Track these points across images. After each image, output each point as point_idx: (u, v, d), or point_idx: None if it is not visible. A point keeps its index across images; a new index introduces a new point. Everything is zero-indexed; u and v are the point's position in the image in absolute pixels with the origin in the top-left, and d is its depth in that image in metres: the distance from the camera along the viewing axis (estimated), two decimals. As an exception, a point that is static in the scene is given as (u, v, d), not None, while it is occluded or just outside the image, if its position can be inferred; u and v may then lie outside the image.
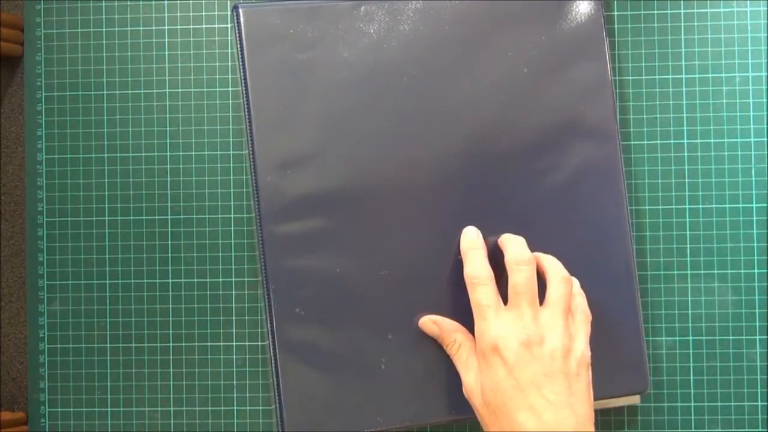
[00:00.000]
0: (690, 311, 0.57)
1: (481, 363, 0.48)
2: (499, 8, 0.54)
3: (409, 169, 0.53)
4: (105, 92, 0.59)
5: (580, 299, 0.51)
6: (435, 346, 0.53)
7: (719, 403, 0.56)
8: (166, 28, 0.58)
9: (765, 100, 0.57)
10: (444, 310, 0.53)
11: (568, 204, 0.54)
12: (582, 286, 0.52)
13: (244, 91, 0.53)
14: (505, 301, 0.49)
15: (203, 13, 0.58)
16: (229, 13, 0.58)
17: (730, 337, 0.56)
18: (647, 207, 0.57)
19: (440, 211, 0.53)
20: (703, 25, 0.57)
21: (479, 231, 0.52)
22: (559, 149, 0.54)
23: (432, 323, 0.52)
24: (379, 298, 0.52)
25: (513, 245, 0.51)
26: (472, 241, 0.52)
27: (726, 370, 0.56)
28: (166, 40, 0.58)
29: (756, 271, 0.56)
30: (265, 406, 0.57)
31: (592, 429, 0.46)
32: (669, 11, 0.57)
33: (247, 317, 0.58)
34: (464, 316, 0.53)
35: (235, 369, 0.58)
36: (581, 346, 0.48)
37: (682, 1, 0.57)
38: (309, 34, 0.53)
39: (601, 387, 0.51)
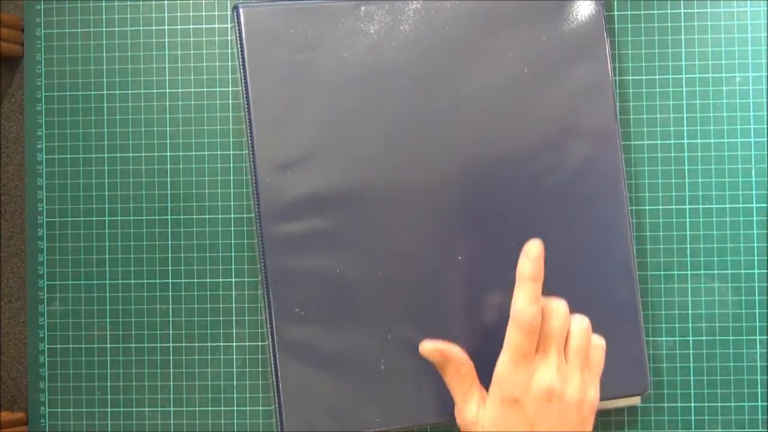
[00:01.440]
0: (690, 311, 0.57)
1: (497, 405, 0.47)
2: (499, 8, 0.54)
3: (409, 169, 0.53)
4: (105, 92, 0.59)
5: (599, 353, 0.50)
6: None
7: (719, 404, 0.56)
8: (166, 28, 0.58)
9: (765, 100, 0.57)
10: (444, 310, 0.53)
11: (568, 204, 0.54)
12: (582, 286, 0.52)
13: (244, 91, 0.53)
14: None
15: (203, 13, 0.58)
16: (229, 13, 0.58)
17: (730, 337, 0.56)
18: (647, 207, 0.57)
19: (440, 212, 0.53)
20: (703, 25, 0.57)
21: (543, 250, 0.48)
22: (560, 149, 0.54)
23: (439, 354, 0.49)
24: (379, 298, 0.52)
25: (550, 302, 0.49)
26: (533, 267, 0.48)
27: (726, 370, 0.56)
28: (166, 40, 0.58)
29: (756, 271, 0.56)
30: (265, 406, 0.57)
31: None
32: (669, 11, 0.57)
33: (247, 317, 0.58)
34: (464, 316, 0.53)
35: (235, 369, 0.58)
36: (592, 395, 0.48)
37: (682, 1, 0.57)
38: (309, 34, 0.53)
39: (601, 389, 0.51)
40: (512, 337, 0.47)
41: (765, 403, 0.56)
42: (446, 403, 0.53)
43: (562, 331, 0.48)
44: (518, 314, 0.47)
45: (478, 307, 0.53)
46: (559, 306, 0.49)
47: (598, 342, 0.50)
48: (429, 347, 0.49)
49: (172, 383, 0.58)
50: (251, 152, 0.52)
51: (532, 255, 0.48)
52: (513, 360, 0.47)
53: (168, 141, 0.58)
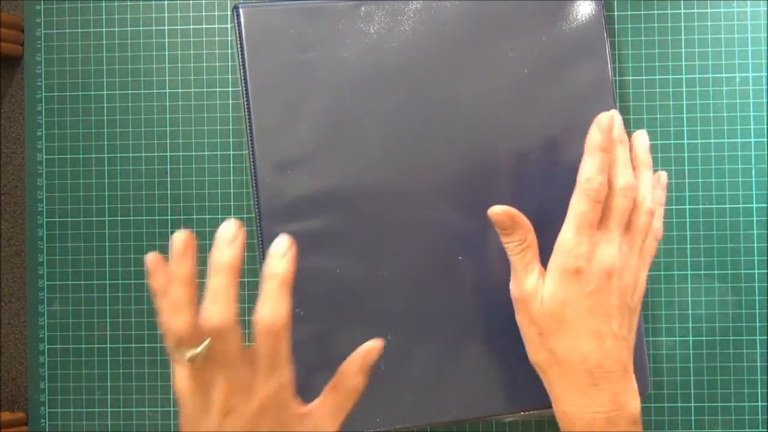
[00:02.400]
0: (690, 311, 0.57)
1: (558, 275, 0.47)
2: (499, 8, 0.54)
3: (409, 169, 0.53)
4: (105, 92, 0.59)
5: (653, 241, 0.50)
6: (435, 347, 0.53)
7: (719, 404, 0.56)
8: (166, 28, 0.58)
9: (765, 100, 0.57)
10: (444, 310, 0.53)
11: (569, 204, 0.53)
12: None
13: (244, 91, 0.53)
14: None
15: (203, 13, 0.58)
16: (229, 13, 0.58)
17: (730, 337, 0.56)
18: (647, 207, 0.57)
19: (440, 211, 0.53)
20: (703, 25, 0.57)
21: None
22: (560, 149, 0.54)
23: (506, 215, 0.48)
24: (380, 298, 0.52)
25: (622, 164, 0.48)
26: (604, 138, 0.47)
27: (726, 370, 0.56)
28: (166, 40, 0.58)
29: (756, 271, 0.56)
30: (265, 406, 0.57)
31: (632, 362, 0.48)
32: (669, 11, 0.57)
33: (247, 317, 0.58)
34: (465, 316, 0.53)
35: (235, 369, 0.58)
36: (644, 279, 0.49)
37: (682, 1, 0.57)
38: (309, 34, 0.53)
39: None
40: (577, 205, 0.47)
41: (765, 403, 0.56)
42: (447, 403, 0.53)
43: (627, 209, 0.47)
44: (585, 182, 0.47)
45: (478, 307, 0.53)
46: (630, 186, 0.48)
47: (658, 229, 0.50)
48: (497, 209, 0.48)
49: (172, 383, 0.58)
50: (251, 152, 0.52)
51: (603, 125, 0.47)
52: (577, 229, 0.47)
53: (168, 141, 0.58)
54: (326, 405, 0.45)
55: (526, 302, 0.48)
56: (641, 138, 0.51)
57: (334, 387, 0.45)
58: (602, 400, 0.46)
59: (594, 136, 0.48)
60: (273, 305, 0.42)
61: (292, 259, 0.42)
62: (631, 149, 0.50)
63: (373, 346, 0.45)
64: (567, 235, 0.47)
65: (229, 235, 0.42)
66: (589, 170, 0.47)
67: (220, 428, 0.41)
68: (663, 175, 0.52)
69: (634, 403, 0.47)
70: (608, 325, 0.46)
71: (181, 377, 0.42)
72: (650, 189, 0.49)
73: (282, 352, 0.42)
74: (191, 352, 0.41)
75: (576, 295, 0.47)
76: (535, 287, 0.48)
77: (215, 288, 0.41)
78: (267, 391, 0.42)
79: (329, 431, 0.44)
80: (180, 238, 0.42)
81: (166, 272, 0.41)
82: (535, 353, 0.48)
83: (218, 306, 0.41)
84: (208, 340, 0.41)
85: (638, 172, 0.50)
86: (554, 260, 0.48)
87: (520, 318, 0.49)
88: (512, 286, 0.49)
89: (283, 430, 0.42)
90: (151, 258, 0.42)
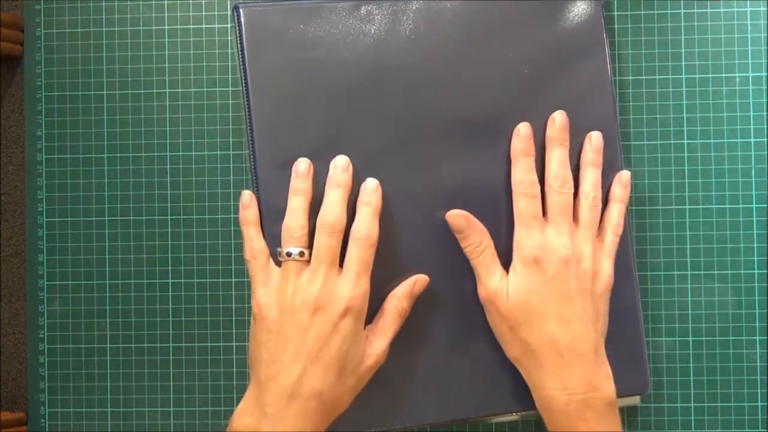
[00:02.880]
0: (690, 311, 0.57)
1: (518, 268, 0.50)
2: (499, 8, 0.54)
3: (409, 168, 0.53)
4: (105, 92, 0.59)
5: (611, 234, 0.52)
6: (435, 347, 0.53)
7: (719, 404, 0.56)
8: (166, 28, 0.58)
9: (765, 100, 0.57)
10: (446, 309, 0.53)
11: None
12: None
13: (244, 91, 0.53)
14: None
15: (203, 13, 0.58)
16: (229, 13, 0.58)
17: (730, 337, 0.56)
18: (647, 207, 0.57)
19: (441, 211, 0.53)
20: (703, 25, 0.57)
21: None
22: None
23: (462, 217, 0.52)
24: (380, 298, 0.52)
25: (554, 163, 0.52)
26: (524, 144, 0.52)
27: (726, 370, 0.56)
28: (166, 40, 0.58)
29: (756, 271, 0.56)
30: (265, 406, 0.57)
31: (603, 345, 0.51)
32: (669, 11, 0.57)
33: (247, 317, 0.58)
34: (466, 316, 0.53)
35: (235, 369, 0.58)
36: (607, 269, 0.51)
37: (682, 1, 0.57)
38: (310, 34, 0.53)
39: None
40: (518, 205, 0.51)
41: (765, 403, 0.56)
42: (446, 403, 0.53)
43: (568, 202, 0.51)
44: (518, 183, 0.51)
45: (478, 308, 0.53)
46: (561, 178, 0.51)
47: (616, 225, 0.52)
48: (454, 212, 0.52)
49: (172, 383, 0.58)
50: (252, 152, 0.52)
51: (520, 134, 0.52)
52: (525, 224, 0.51)
53: (168, 141, 0.58)
54: (377, 326, 0.51)
55: (493, 301, 0.51)
56: (593, 139, 0.53)
57: (383, 311, 0.51)
58: (576, 382, 0.48)
59: (514, 145, 0.52)
60: (369, 224, 0.50)
61: (380, 195, 0.51)
62: (583, 150, 0.53)
63: (422, 276, 0.52)
64: (518, 232, 0.51)
65: (344, 163, 0.51)
66: (518, 173, 0.52)
67: (309, 324, 0.48)
68: (624, 173, 0.54)
69: (608, 386, 0.49)
70: (571, 308, 0.49)
71: (261, 286, 0.50)
72: (592, 185, 0.52)
73: (369, 263, 0.49)
74: (298, 249, 0.49)
75: (538, 282, 0.50)
76: (499, 285, 0.51)
77: (334, 198, 0.50)
78: (353, 295, 0.48)
79: (380, 348, 0.50)
80: (304, 162, 0.51)
81: (256, 208, 0.51)
82: (510, 348, 0.51)
83: (336, 210, 0.50)
84: (315, 245, 0.49)
85: (583, 171, 0.52)
86: (514, 257, 0.51)
87: (490, 318, 0.52)
88: (478, 289, 0.52)
89: (356, 335, 0.49)
90: (248, 193, 0.52)
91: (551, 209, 0.51)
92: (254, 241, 0.51)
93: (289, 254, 0.49)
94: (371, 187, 0.51)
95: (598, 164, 0.53)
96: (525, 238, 0.51)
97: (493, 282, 0.51)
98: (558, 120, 0.52)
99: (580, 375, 0.49)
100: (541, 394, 0.50)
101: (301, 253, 0.49)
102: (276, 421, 0.47)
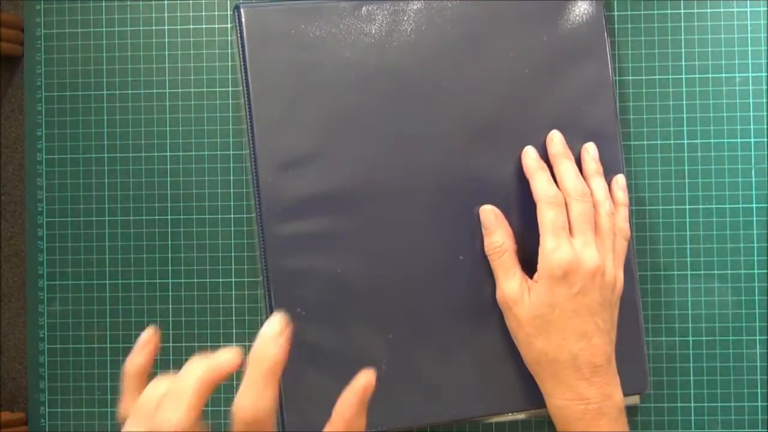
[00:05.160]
0: (690, 311, 0.57)
1: (542, 280, 0.49)
2: (500, 8, 0.54)
3: (410, 168, 0.53)
4: (105, 92, 0.58)
5: (622, 242, 0.52)
6: (435, 347, 0.53)
7: (719, 404, 0.56)
8: (166, 28, 0.58)
9: (765, 100, 0.57)
10: (445, 310, 0.53)
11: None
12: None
13: (245, 91, 0.53)
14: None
15: (203, 13, 0.58)
16: (229, 13, 0.58)
17: (730, 337, 0.56)
18: (647, 207, 0.57)
19: (441, 211, 0.53)
20: (703, 25, 0.57)
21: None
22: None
23: (491, 212, 0.52)
24: (381, 298, 0.52)
25: (570, 176, 0.51)
26: (536, 160, 0.52)
27: (726, 370, 0.56)
28: (166, 40, 0.58)
29: (756, 271, 0.56)
30: (266, 406, 0.57)
31: (614, 354, 0.51)
32: (669, 11, 0.57)
33: (247, 317, 0.58)
34: (467, 316, 0.53)
35: (235, 369, 0.58)
36: (621, 277, 0.52)
37: (682, 1, 0.57)
38: (310, 34, 0.53)
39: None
40: (544, 214, 0.50)
41: (765, 403, 0.56)
42: (447, 403, 0.53)
43: (589, 212, 0.50)
44: (542, 193, 0.50)
45: (478, 308, 0.53)
46: (581, 190, 0.51)
47: (625, 228, 0.52)
48: (486, 206, 0.52)
49: None
50: (252, 152, 0.52)
51: (528, 154, 0.52)
52: (553, 234, 0.49)
53: (168, 141, 0.58)
54: None
55: (510, 306, 0.50)
56: (589, 150, 0.53)
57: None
58: (592, 392, 0.49)
59: (527, 163, 0.52)
60: (255, 395, 0.35)
61: (285, 343, 0.35)
62: (583, 162, 0.53)
63: (368, 379, 0.38)
64: (546, 242, 0.50)
65: (275, 331, 0.35)
66: (540, 184, 0.51)
67: None
68: (620, 177, 0.54)
69: (619, 392, 0.50)
70: (593, 322, 0.49)
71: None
72: (605, 193, 0.52)
73: None
74: None
75: (563, 297, 0.49)
76: (518, 291, 0.50)
77: (252, 378, 0.36)
78: None
79: None
80: (148, 332, 0.40)
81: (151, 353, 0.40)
82: (526, 354, 0.51)
83: (251, 396, 0.36)
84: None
85: (589, 181, 0.52)
86: (542, 266, 0.50)
87: (508, 321, 0.51)
88: (497, 291, 0.52)
89: None
90: (149, 333, 0.40)
91: (576, 219, 0.50)
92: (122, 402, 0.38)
93: None
94: (271, 331, 0.35)
95: (601, 173, 0.53)
96: (554, 250, 0.49)
97: (511, 287, 0.50)
98: (556, 137, 0.53)
99: (596, 385, 0.49)
100: (555, 403, 0.50)
101: None
102: None
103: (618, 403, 0.49)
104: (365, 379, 0.38)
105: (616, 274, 0.51)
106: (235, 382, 0.58)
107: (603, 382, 0.49)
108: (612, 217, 0.51)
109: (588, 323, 0.49)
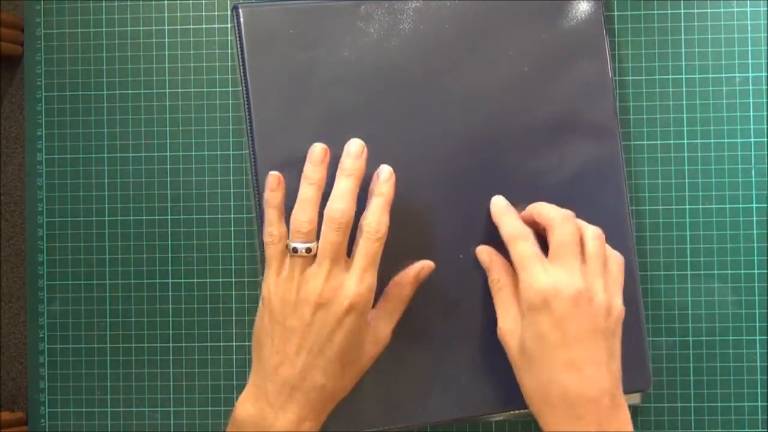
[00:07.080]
0: (690, 311, 0.57)
1: (525, 313, 0.48)
2: (499, 8, 0.54)
3: (409, 168, 0.53)
4: (105, 92, 0.59)
5: (610, 250, 0.51)
6: (434, 347, 0.53)
7: (719, 404, 0.56)
8: (166, 28, 0.58)
9: (765, 100, 0.57)
10: (444, 309, 0.53)
11: (569, 204, 0.53)
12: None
13: (244, 91, 0.53)
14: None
15: (203, 13, 0.58)
16: (229, 13, 0.58)
17: (730, 337, 0.56)
18: (647, 207, 0.57)
19: (440, 211, 0.53)
20: (703, 25, 0.57)
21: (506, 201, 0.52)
22: (560, 149, 0.54)
23: (486, 254, 0.52)
24: (380, 298, 0.52)
25: (545, 206, 0.51)
26: (502, 207, 0.52)
27: (726, 370, 0.56)
28: (166, 40, 0.58)
29: (756, 271, 0.56)
30: (265, 406, 0.57)
31: (620, 387, 0.48)
32: (669, 11, 0.57)
33: (247, 317, 0.58)
34: (467, 316, 0.53)
35: (235, 369, 0.58)
36: (619, 303, 0.49)
37: (682, 1, 0.57)
38: (309, 33, 0.53)
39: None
40: (515, 250, 0.49)
41: (765, 403, 0.56)
42: (447, 403, 0.53)
43: (574, 237, 0.49)
44: (509, 234, 0.50)
45: (478, 307, 0.53)
46: (562, 214, 0.49)
47: (616, 254, 0.51)
48: (482, 248, 0.53)
49: (172, 383, 0.58)
50: (252, 152, 0.52)
51: (494, 203, 0.52)
52: (526, 268, 0.48)
53: (168, 141, 0.58)
54: (381, 312, 0.50)
55: (506, 342, 0.50)
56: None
57: (387, 296, 0.51)
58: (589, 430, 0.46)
59: (495, 209, 0.52)
60: (379, 216, 0.48)
61: (393, 185, 0.49)
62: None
63: (428, 263, 0.51)
64: (522, 276, 0.49)
65: (358, 149, 0.49)
66: (506, 227, 0.51)
67: (311, 320, 0.47)
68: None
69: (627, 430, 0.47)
70: (582, 351, 0.47)
71: (274, 274, 0.48)
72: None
73: (377, 257, 0.48)
74: (304, 245, 0.47)
75: (547, 326, 0.47)
76: (511, 328, 0.49)
77: (343, 188, 0.48)
78: (357, 291, 0.47)
79: (383, 334, 0.50)
80: (320, 147, 0.49)
81: (283, 191, 0.49)
82: (522, 386, 0.49)
83: (344, 203, 0.48)
84: (320, 239, 0.48)
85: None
86: (522, 303, 0.49)
87: (507, 353, 0.50)
88: (497, 329, 0.51)
89: (360, 330, 0.48)
90: (276, 175, 0.49)
91: (556, 245, 0.49)
92: (275, 226, 0.49)
93: (295, 250, 0.47)
94: (384, 176, 0.49)
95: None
96: (530, 280, 0.48)
97: (507, 323, 0.50)
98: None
99: (593, 423, 0.46)
100: None
101: (308, 249, 0.47)
102: (279, 411, 0.47)
103: None
104: (425, 261, 0.51)
105: (608, 299, 0.48)
106: (235, 382, 0.58)
107: (602, 421, 0.46)
108: (599, 239, 0.49)
109: (575, 352, 0.46)
